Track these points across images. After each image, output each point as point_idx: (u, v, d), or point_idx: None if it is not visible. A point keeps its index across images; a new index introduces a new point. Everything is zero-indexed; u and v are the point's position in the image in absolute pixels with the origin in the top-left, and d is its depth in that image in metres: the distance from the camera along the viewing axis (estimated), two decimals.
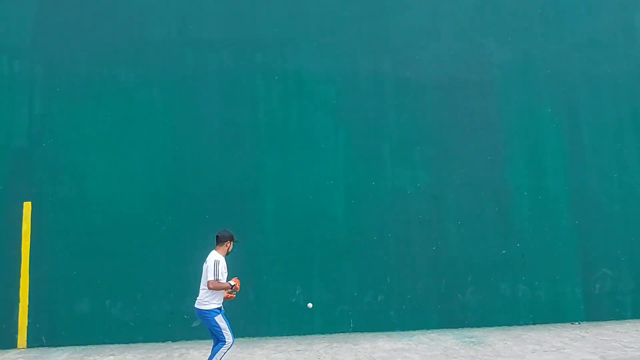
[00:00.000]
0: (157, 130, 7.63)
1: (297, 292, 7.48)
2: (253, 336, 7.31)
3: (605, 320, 7.75)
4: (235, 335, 7.21)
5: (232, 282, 5.29)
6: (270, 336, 7.32)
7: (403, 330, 7.52)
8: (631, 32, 8.55)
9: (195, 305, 5.24)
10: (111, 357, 6.43)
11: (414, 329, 7.54)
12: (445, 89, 8.10)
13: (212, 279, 5.09)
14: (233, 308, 7.31)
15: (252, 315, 7.38)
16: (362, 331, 7.48)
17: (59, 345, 6.96)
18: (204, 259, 7.27)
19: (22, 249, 7.18)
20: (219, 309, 5.24)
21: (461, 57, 8.22)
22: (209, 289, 5.11)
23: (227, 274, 5.34)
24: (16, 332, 7.03)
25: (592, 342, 6.54)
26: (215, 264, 5.18)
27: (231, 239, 5.52)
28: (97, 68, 7.68)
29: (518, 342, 6.67)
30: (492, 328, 7.51)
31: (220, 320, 5.18)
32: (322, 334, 7.41)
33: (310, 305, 6.76)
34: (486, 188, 7.95)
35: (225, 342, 5.19)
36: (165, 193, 7.51)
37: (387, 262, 7.66)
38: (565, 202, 8.03)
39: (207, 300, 5.17)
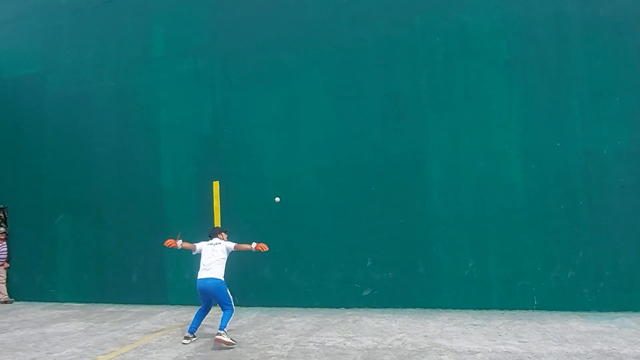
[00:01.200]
0: (321, 107, 7.87)
1: (470, 265, 7.04)
2: (424, 307, 7.16)
3: None
4: (407, 305, 7.28)
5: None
6: (442, 308, 7.06)
7: (600, 311, 6.51)
8: None
9: (213, 276, 5.83)
10: (293, 318, 6.96)
11: (615, 310, 6.47)
12: None
13: (234, 244, 6.05)
14: (402, 279, 7.29)
15: (422, 287, 7.21)
16: (548, 309, 6.71)
17: (249, 306, 7.81)
18: (371, 229, 7.43)
19: (215, 222, 8.19)
20: None
21: None
22: (234, 249, 6.04)
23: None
24: None
25: None
26: (227, 240, 6.16)
27: (222, 230, 6.41)
28: (263, 55, 8.23)
29: None
30: None
31: (228, 291, 5.95)
32: (500, 309, 6.86)
33: (277, 199, 7.29)
34: None
35: (232, 309, 5.87)
36: (332, 168, 7.73)
37: (578, 234, 6.67)
38: None
39: (222, 274, 5.90)
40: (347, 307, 7.45)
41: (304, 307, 7.59)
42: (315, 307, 7.57)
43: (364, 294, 7.45)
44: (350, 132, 7.71)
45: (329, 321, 6.70)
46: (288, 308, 7.58)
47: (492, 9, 7.18)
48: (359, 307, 7.41)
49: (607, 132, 6.68)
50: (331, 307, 7.49)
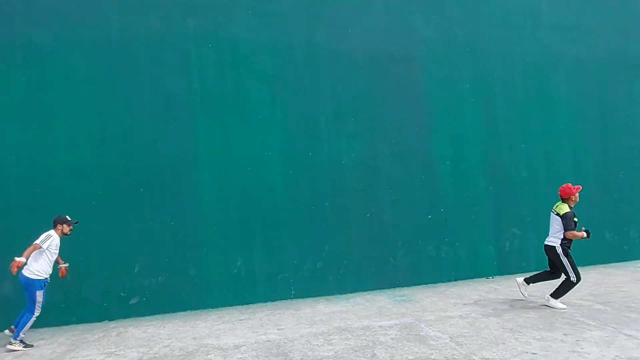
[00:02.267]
0: (82, 98, 7.07)
1: (238, 263, 7.53)
2: (195, 309, 7.28)
3: (514, 274, 8.78)
4: (178, 309, 7.27)
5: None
6: (213, 308, 7.33)
7: (341, 293, 7.93)
8: (537, 15, 9.44)
9: (25, 274, 5.76)
10: (42, 341, 6.07)
11: (351, 292, 7.96)
12: (376, 63, 8.40)
13: (38, 242, 5.77)
14: (173, 282, 7.24)
15: (193, 289, 7.32)
16: (303, 297, 7.77)
17: None
18: (139, 233, 7.13)
19: None
20: (45, 281, 5.91)
21: (390, 32, 8.54)
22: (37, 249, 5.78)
23: (57, 253, 6.02)
24: None
25: (504, 293, 7.38)
26: (46, 236, 5.86)
27: (62, 222, 6.09)
28: (8, 28, 6.89)
29: (442, 297, 7.33)
30: (420, 286, 8.18)
31: (40, 294, 5.82)
32: (265, 302, 7.57)
33: None
34: (414, 158, 8.47)
35: (33, 314, 5.82)
36: (94, 166, 7.04)
37: (325, 230, 7.95)
38: (481, 170, 8.85)
39: (39, 270, 5.79)
40: (110, 320, 6.92)
41: (58, 326, 6.69)
42: (72, 323, 6.77)
43: (130, 302, 7.06)
44: (117, 129, 7.19)
45: (88, 338, 6.11)
46: (37, 329, 6.52)
47: (258, 26, 7.85)
48: (125, 317, 6.98)
49: (345, 146, 8.16)
50: (92, 322, 6.82)
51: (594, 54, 9.70)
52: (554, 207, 6.43)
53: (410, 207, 8.39)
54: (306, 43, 8.10)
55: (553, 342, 4.99)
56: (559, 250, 6.23)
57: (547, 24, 9.48)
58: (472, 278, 8.58)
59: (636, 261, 9.43)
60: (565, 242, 6.24)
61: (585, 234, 6.20)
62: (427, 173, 8.52)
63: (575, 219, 6.20)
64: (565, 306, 6.29)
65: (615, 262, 9.33)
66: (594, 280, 7.95)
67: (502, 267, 8.80)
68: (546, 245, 6.46)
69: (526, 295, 6.80)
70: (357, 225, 8.12)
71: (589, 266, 9.11)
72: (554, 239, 6.33)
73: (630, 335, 5.03)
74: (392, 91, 8.47)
